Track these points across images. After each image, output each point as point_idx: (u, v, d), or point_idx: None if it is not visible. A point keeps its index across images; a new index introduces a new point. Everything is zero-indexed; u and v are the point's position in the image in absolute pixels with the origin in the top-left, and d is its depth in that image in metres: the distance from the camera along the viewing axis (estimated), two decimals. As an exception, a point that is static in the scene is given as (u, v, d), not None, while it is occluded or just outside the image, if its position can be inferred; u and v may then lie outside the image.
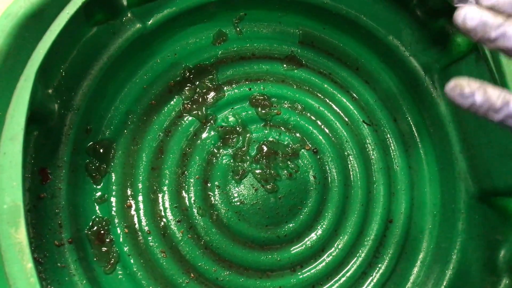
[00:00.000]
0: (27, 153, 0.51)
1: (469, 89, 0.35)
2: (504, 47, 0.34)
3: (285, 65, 0.72)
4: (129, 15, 0.58)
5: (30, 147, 0.52)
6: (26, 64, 0.43)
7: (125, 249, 0.60)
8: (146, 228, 0.62)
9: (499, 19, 0.34)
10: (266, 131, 0.68)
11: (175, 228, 0.63)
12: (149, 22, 0.61)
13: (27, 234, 0.40)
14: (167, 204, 0.63)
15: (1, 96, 0.41)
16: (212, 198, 0.64)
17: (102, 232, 0.60)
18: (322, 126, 0.70)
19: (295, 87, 0.71)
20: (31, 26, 0.43)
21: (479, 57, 0.58)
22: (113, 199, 0.62)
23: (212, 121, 0.67)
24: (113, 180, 0.62)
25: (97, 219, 0.60)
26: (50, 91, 0.54)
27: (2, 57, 0.41)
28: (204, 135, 0.67)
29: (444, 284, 0.63)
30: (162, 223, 0.63)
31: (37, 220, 0.52)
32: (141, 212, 0.63)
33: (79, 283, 0.53)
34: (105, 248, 0.59)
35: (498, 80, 0.52)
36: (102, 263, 0.58)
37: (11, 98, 0.42)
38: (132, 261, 0.60)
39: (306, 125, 0.69)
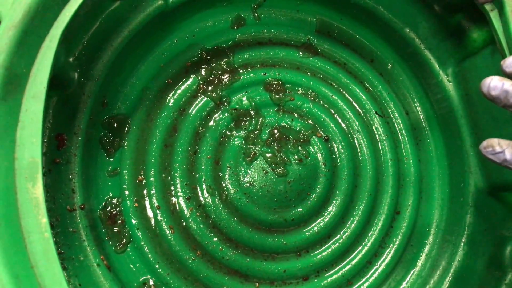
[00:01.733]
0: (45, 118, 0.52)
1: (500, 148, 0.42)
2: None
3: (301, 53, 0.73)
4: (151, -10, 0.59)
5: (49, 112, 0.53)
6: (51, 25, 0.44)
7: (134, 222, 0.61)
8: (156, 203, 0.63)
9: None
10: (279, 116, 0.68)
11: (184, 205, 0.63)
12: (171, 0, 0.62)
13: (43, 190, 0.40)
14: (177, 181, 0.64)
15: (26, 54, 0.42)
16: (222, 178, 0.65)
17: (114, 213, 0.60)
18: (335, 115, 0.71)
19: (309, 74, 0.72)
20: (59, -12, 0.44)
21: (495, 51, 0.59)
22: (125, 172, 0.62)
23: (226, 103, 0.68)
24: (126, 154, 0.63)
25: (109, 199, 0.60)
26: (71, 59, 0.55)
27: (30, 15, 0.42)
28: (218, 116, 0.67)
29: (449, 277, 0.63)
30: (172, 200, 0.63)
31: (51, 184, 0.52)
32: (152, 187, 0.63)
33: (89, 248, 0.53)
34: (117, 229, 0.60)
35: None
36: (114, 243, 0.59)
37: (35, 57, 0.43)
38: (140, 234, 0.61)
39: (319, 112, 0.70)
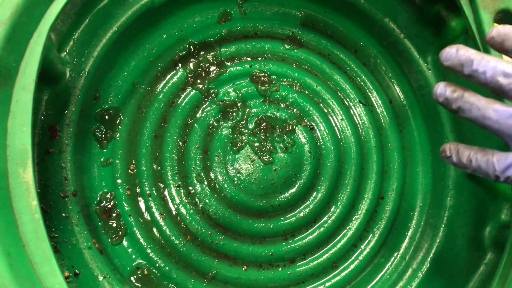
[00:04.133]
0: (38, 111, 0.56)
1: (449, 153, 0.45)
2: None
3: (286, 45, 0.75)
4: (138, -12, 0.62)
5: (41, 105, 0.56)
6: (39, 21, 0.47)
7: (126, 209, 0.64)
8: (147, 191, 0.66)
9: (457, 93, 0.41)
10: (265, 107, 0.71)
11: (175, 193, 0.66)
12: (157, -3, 0.65)
13: (33, 175, 0.43)
14: (168, 170, 0.67)
15: (16, 49, 0.45)
16: (210, 167, 0.68)
17: (109, 206, 0.63)
18: (320, 104, 0.73)
19: (294, 66, 0.74)
20: (45, -14, 0.48)
21: (468, 38, 0.61)
22: (117, 162, 0.66)
23: (213, 95, 0.71)
24: (118, 145, 0.66)
25: (104, 194, 0.64)
26: (63, 54, 0.58)
27: (18, 13, 0.45)
28: (206, 107, 0.70)
29: (431, 257, 0.66)
30: (163, 188, 0.66)
31: (44, 172, 0.56)
32: (144, 176, 0.66)
33: (81, 233, 0.56)
34: (113, 221, 0.63)
35: (483, 56, 0.55)
36: (110, 235, 0.62)
37: (25, 51, 0.46)
38: (132, 220, 0.64)
39: (304, 102, 0.72)
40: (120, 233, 0.62)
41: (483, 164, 0.42)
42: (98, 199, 0.63)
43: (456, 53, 0.41)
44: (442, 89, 0.43)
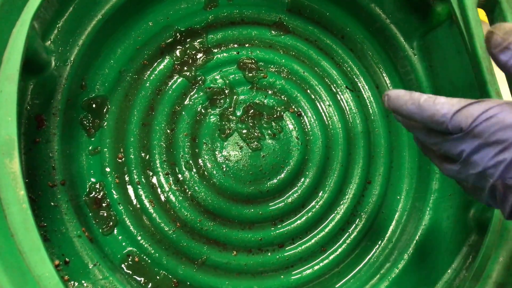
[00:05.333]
0: (24, 101, 0.55)
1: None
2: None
3: (273, 31, 0.75)
4: (122, -25, 0.62)
5: (27, 95, 0.56)
6: (21, 11, 0.46)
7: (115, 197, 0.64)
8: (136, 179, 0.66)
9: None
10: (253, 93, 0.71)
11: (164, 180, 0.67)
12: (142, -16, 0.64)
13: (20, 165, 0.43)
14: (156, 158, 0.67)
15: (-2, 39, 0.45)
16: (199, 154, 0.68)
17: (99, 197, 0.64)
18: (307, 90, 0.73)
19: (281, 52, 0.74)
20: (27, -25, 0.47)
21: (453, 23, 0.61)
22: (105, 151, 0.66)
23: (201, 82, 0.71)
24: (106, 134, 0.66)
25: (93, 185, 0.64)
26: (48, 43, 0.58)
27: (0, 2, 0.44)
28: (193, 95, 0.70)
29: (417, 239, 0.67)
30: (151, 175, 0.67)
31: (32, 162, 0.56)
32: (132, 164, 0.66)
33: (70, 221, 0.57)
34: (103, 212, 0.63)
35: (467, 41, 0.55)
36: (101, 225, 0.62)
37: (7, 41, 0.46)
38: (121, 208, 0.64)
39: (291, 89, 0.72)
40: (111, 223, 0.63)
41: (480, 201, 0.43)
42: (87, 189, 0.63)
43: (400, 120, 0.43)
44: (416, 141, 0.45)
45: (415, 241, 0.67)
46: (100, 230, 0.62)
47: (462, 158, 0.38)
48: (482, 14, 0.57)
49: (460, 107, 0.36)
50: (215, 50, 0.72)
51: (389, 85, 0.75)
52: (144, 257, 0.64)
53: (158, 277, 0.63)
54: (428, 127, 0.40)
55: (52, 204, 0.56)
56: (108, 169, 0.65)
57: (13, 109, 0.44)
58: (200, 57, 0.72)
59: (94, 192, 0.63)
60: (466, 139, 0.37)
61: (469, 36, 0.55)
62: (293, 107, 0.72)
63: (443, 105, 0.37)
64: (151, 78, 0.70)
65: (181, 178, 0.67)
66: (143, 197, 0.66)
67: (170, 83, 0.70)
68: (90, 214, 0.62)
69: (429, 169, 0.69)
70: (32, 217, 0.42)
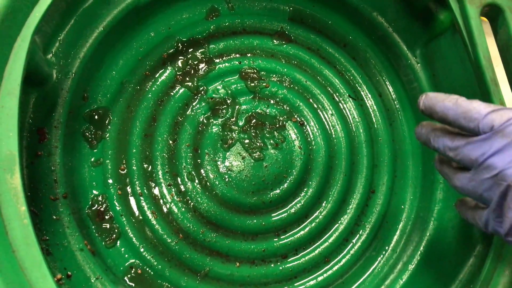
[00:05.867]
0: (26, 114, 0.55)
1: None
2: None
3: (274, 41, 0.75)
4: (123, -13, 0.62)
5: (29, 108, 0.56)
6: (23, 25, 0.46)
7: (118, 209, 0.64)
8: (139, 191, 0.66)
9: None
10: (255, 103, 0.71)
11: (166, 192, 0.67)
12: (144, -5, 0.64)
13: (21, 181, 0.43)
14: (159, 169, 0.67)
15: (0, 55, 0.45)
16: (201, 165, 0.68)
17: (102, 209, 0.63)
18: (309, 100, 0.73)
19: (283, 61, 0.74)
20: (27, -10, 0.47)
21: (455, 31, 0.61)
22: (108, 163, 0.65)
23: (203, 92, 0.70)
24: (108, 145, 0.66)
25: (95, 197, 0.64)
26: (49, 56, 0.58)
27: (1, 18, 0.44)
28: (195, 105, 0.70)
29: (421, 250, 0.66)
30: (154, 187, 0.66)
31: (34, 175, 0.56)
32: (134, 175, 0.66)
33: (72, 235, 0.57)
34: (106, 225, 0.63)
35: (470, 51, 0.55)
36: (103, 238, 0.62)
37: (9, 56, 0.46)
38: (124, 220, 0.64)
39: (294, 98, 0.72)
40: (114, 236, 0.63)
41: (473, 222, 0.47)
42: (90, 202, 0.63)
43: (421, 130, 0.47)
44: (435, 163, 0.49)
45: (420, 252, 0.66)
46: (103, 243, 0.62)
47: (479, 162, 0.40)
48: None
49: (496, 109, 0.39)
50: (217, 60, 0.72)
51: (392, 93, 0.74)
52: (147, 269, 0.63)
53: (160, 289, 0.63)
54: (457, 126, 0.42)
55: (54, 217, 0.56)
56: (110, 181, 0.65)
57: (14, 124, 0.44)
58: (202, 67, 0.71)
59: (96, 205, 0.63)
60: (493, 139, 0.39)
61: (472, 45, 0.55)
62: (296, 116, 0.71)
63: (479, 105, 0.40)
64: (153, 89, 0.69)
65: (183, 189, 0.67)
66: (146, 208, 0.65)
67: (172, 93, 0.70)
68: (93, 227, 0.61)
69: (433, 179, 0.69)
70: (34, 232, 0.42)
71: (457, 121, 0.41)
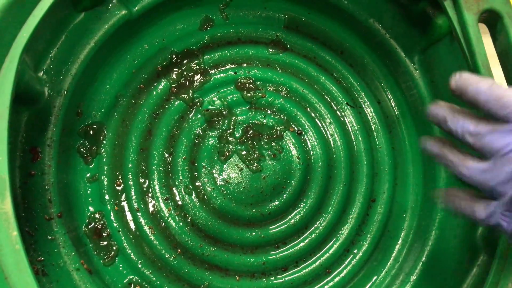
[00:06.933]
0: (18, 133, 0.55)
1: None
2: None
3: (270, 49, 0.74)
4: (114, 1, 0.61)
5: (21, 127, 0.55)
6: (10, 46, 0.46)
7: (115, 225, 0.63)
8: (135, 206, 0.65)
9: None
10: (251, 114, 0.70)
11: (163, 206, 0.66)
12: (135, 8, 0.63)
13: (12, 205, 0.43)
14: (155, 183, 0.66)
15: (-13, 77, 0.44)
16: (198, 178, 0.67)
17: (100, 227, 0.63)
18: (307, 109, 0.72)
19: (280, 70, 0.73)
20: (13, 11, 0.46)
21: (453, 38, 0.59)
22: (103, 178, 0.65)
23: (198, 104, 0.70)
24: (104, 161, 0.66)
25: (92, 215, 0.63)
26: (40, 74, 0.57)
27: (-13, 39, 0.44)
28: (191, 117, 0.69)
29: (423, 260, 0.65)
30: (151, 201, 0.66)
31: (27, 195, 0.55)
32: (131, 190, 0.66)
33: (68, 255, 0.56)
34: (104, 242, 0.62)
35: (469, 58, 0.54)
36: (102, 256, 0.62)
37: (-3, 78, 0.45)
38: (121, 236, 0.63)
39: (291, 107, 0.71)
40: (112, 253, 0.62)
41: (469, 212, 0.43)
42: (87, 220, 0.62)
43: (437, 109, 0.44)
44: (425, 145, 0.47)
45: (422, 262, 0.65)
46: (101, 261, 0.61)
47: (502, 152, 0.38)
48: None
49: None
50: (212, 71, 0.71)
51: (391, 100, 0.73)
52: (146, 285, 0.63)
53: (159, 306, 0.62)
54: (485, 111, 0.39)
55: (49, 237, 0.55)
56: (107, 197, 0.64)
57: (3, 148, 0.43)
58: (197, 79, 0.70)
59: (93, 222, 0.62)
60: None
61: (470, 53, 0.53)
62: (293, 126, 0.70)
63: None
64: (148, 102, 0.69)
65: (180, 203, 0.66)
66: (143, 223, 0.65)
67: (167, 106, 0.69)
68: (91, 245, 0.61)
69: (434, 187, 0.67)
70: (26, 258, 0.41)
71: (487, 105, 0.39)
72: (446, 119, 0.43)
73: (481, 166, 0.40)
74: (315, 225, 0.69)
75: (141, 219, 0.65)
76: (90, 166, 0.65)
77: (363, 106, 0.74)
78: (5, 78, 0.45)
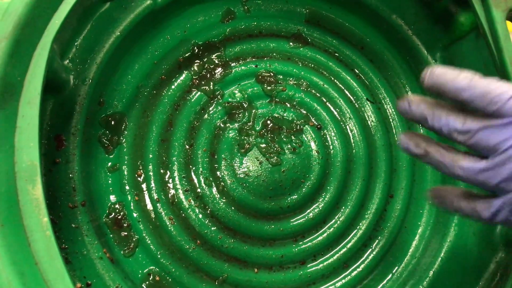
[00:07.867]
0: (43, 121, 0.55)
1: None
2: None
3: (291, 43, 0.74)
4: (140, -9, 0.61)
5: (46, 115, 0.55)
6: (43, 33, 0.46)
7: (135, 215, 0.64)
8: (155, 196, 0.65)
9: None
10: (272, 107, 0.70)
11: (183, 197, 0.66)
12: (159, -1, 0.63)
13: (42, 191, 0.43)
14: (175, 174, 0.66)
15: (19, 63, 0.44)
16: (218, 170, 0.67)
17: (119, 217, 0.63)
18: (327, 103, 0.72)
19: (300, 64, 0.73)
20: (47, -3, 0.46)
21: (479, 35, 0.60)
22: (124, 168, 0.65)
23: (219, 97, 0.70)
24: (124, 151, 0.66)
25: (112, 205, 0.63)
26: (66, 62, 0.57)
27: (21, 25, 0.44)
28: (211, 109, 0.69)
29: (442, 256, 0.65)
30: (171, 192, 0.66)
31: (52, 183, 0.55)
32: (151, 181, 0.66)
33: (91, 243, 0.56)
34: (124, 233, 0.63)
35: (496, 56, 0.54)
36: (122, 247, 0.62)
37: (28, 65, 0.45)
38: (141, 226, 0.63)
39: (311, 101, 0.71)
40: (132, 244, 0.62)
41: (469, 212, 0.40)
42: (107, 210, 0.62)
43: (409, 107, 0.40)
44: (405, 144, 0.42)
45: (440, 258, 0.65)
46: (122, 252, 0.61)
47: (500, 149, 0.35)
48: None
49: None
50: (233, 64, 0.71)
51: (410, 96, 0.73)
52: (165, 275, 0.63)
53: (179, 297, 0.62)
54: (471, 108, 0.36)
55: (73, 225, 0.56)
56: (127, 187, 0.64)
57: (35, 134, 0.44)
58: (218, 71, 0.71)
59: (114, 213, 0.62)
60: None
61: (497, 50, 0.53)
62: (313, 120, 0.71)
63: (501, 85, 0.35)
64: (169, 93, 0.69)
65: (200, 195, 0.66)
66: (163, 214, 0.65)
67: (188, 98, 0.69)
68: (111, 235, 0.61)
69: (452, 183, 0.68)
70: (56, 244, 0.42)
71: (473, 103, 0.35)
72: (426, 118, 0.39)
73: (479, 166, 0.37)
74: (334, 220, 0.69)
75: (161, 210, 0.65)
76: (111, 156, 0.65)
77: (383, 102, 0.74)
78: (37, 65, 0.45)
